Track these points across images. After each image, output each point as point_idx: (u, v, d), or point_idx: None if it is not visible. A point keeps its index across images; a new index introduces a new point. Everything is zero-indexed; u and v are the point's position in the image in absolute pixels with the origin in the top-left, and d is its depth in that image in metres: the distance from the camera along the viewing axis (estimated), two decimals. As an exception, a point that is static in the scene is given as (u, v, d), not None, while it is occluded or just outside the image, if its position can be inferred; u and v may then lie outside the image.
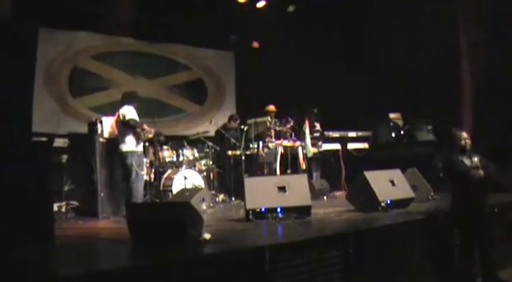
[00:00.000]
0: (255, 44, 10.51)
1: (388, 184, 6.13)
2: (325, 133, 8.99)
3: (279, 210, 5.53)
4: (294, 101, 9.19)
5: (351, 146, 9.10)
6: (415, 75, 8.70)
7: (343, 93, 9.30)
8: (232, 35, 10.74)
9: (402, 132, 9.14)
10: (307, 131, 8.63)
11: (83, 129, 7.71)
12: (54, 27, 8.76)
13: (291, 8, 9.75)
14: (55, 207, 6.54)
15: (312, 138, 8.67)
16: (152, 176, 7.69)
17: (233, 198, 8.24)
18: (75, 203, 7.20)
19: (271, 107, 8.92)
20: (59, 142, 7.72)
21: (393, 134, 9.27)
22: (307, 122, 8.68)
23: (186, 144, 8.35)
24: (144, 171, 6.92)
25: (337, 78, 9.43)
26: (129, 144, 6.62)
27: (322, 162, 9.22)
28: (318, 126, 8.98)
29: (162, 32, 9.93)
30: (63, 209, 6.97)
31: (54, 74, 8.84)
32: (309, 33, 9.92)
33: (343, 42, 9.93)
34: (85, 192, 7.12)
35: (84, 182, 7.15)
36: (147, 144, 7.42)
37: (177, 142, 8.46)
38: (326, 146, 8.99)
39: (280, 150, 8.48)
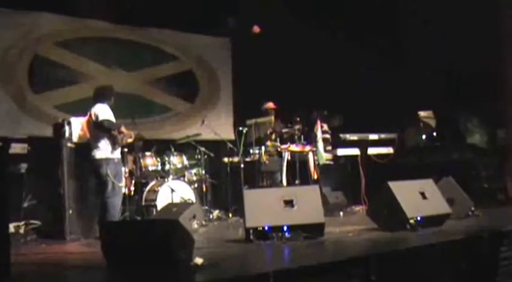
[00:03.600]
0: (256, 29, 10.51)
1: (418, 197, 6.12)
2: (341, 135, 8.96)
3: (285, 228, 5.54)
4: (301, 98, 9.17)
5: (372, 150, 9.08)
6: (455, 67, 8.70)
7: (363, 88, 9.28)
8: (228, 18, 10.73)
9: (435, 134, 9.13)
10: (319, 134, 8.62)
11: (47, 132, 7.70)
12: (10, 8, 8.74)
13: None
14: (11, 227, 6.52)
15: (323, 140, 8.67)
16: (132, 188, 7.72)
17: (230, 215, 8.26)
18: (36, 222, 7.20)
19: (270, 105, 8.92)
20: (17, 148, 7.68)
21: (424, 136, 9.25)
22: (318, 123, 8.67)
23: (173, 149, 8.34)
24: (123, 183, 6.92)
25: (354, 70, 9.41)
26: (104, 150, 6.61)
27: (338, 171, 9.19)
28: (325, 126, 8.96)
29: (143, 15, 9.90)
30: (22, 230, 6.97)
31: (10, 64, 8.81)
32: (319, 17, 9.91)
33: (361, 27, 9.91)
34: (49, 209, 7.10)
35: (48, 197, 7.14)
36: (125, 150, 7.40)
37: (163, 147, 8.44)
38: (342, 151, 8.96)
39: (287, 156, 8.48)
